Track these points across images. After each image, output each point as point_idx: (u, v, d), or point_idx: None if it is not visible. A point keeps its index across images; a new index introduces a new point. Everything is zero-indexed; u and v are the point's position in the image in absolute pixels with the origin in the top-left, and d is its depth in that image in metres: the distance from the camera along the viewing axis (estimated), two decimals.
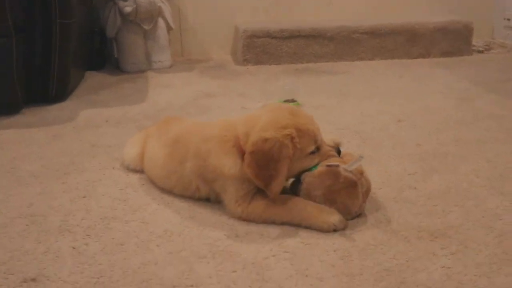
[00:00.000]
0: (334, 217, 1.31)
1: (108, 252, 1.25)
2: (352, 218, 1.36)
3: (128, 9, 3.06)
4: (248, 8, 3.77)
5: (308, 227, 1.33)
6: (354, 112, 2.39)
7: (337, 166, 1.35)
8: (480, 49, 3.68)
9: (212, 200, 1.49)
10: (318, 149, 1.38)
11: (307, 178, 1.37)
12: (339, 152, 1.44)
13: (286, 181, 1.40)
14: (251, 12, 3.77)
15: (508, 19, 3.79)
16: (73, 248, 1.27)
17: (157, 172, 1.58)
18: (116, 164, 1.81)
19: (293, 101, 2.50)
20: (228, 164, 1.36)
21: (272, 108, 1.43)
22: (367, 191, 1.39)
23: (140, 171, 1.72)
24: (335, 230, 1.31)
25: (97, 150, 1.97)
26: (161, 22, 3.30)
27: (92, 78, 3.16)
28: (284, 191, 1.39)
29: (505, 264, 1.17)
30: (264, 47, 3.40)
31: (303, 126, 1.34)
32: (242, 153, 1.34)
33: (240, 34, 3.39)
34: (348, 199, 1.33)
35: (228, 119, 1.49)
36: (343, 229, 1.31)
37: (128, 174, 1.72)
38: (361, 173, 1.36)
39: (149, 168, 1.63)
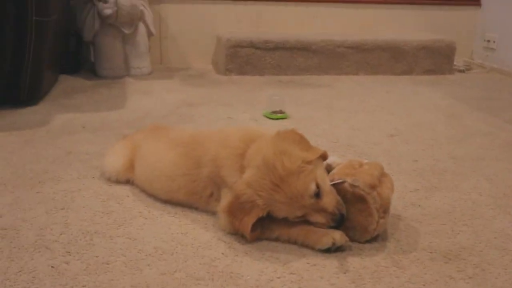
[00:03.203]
0: (334, 232, 1.22)
1: (92, 272, 1.10)
2: (371, 238, 1.25)
3: (108, 11, 2.91)
4: (231, 19, 3.68)
5: (305, 244, 1.23)
6: (344, 126, 2.31)
7: (343, 182, 1.23)
8: (461, 68, 3.70)
9: (211, 210, 1.38)
10: (301, 216, 1.21)
11: None
12: (339, 223, 1.21)
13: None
14: (234, 23, 3.68)
15: (488, 41, 3.84)
16: (52, 267, 1.12)
17: (158, 175, 1.45)
18: (95, 173, 1.66)
19: (281, 112, 2.41)
20: (235, 181, 1.26)
21: (268, 158, 1.20)
22: (384, 206, 1.24)
23: (123, 182, 1.57)
24: (334, 245, 1.20)
25: (73, 157, 1.81)
26: (141, 27, 3.16)
27: (66, 82, 2.98)
28: None
29: None
30: (248, 58, 3.31)
31: (273, 200, 1.18)
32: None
33: (223, 43, 3.28)
34: (360, 216, 1.22)
35: (250, 128, 1.40)
36: (343, 245, 1.21)
37: (110, 185, 1.57)
38: (372, 186, 1.22)
39: (144, 172, 1.50)
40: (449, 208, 1.49)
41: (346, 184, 1.23)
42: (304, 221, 1.25)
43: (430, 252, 1.23)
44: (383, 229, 1.27)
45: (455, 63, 3.67)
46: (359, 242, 1.25)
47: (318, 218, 1.21)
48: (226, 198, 1.29)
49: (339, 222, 1.21)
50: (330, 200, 1.21)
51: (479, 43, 3.97)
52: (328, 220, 1.20)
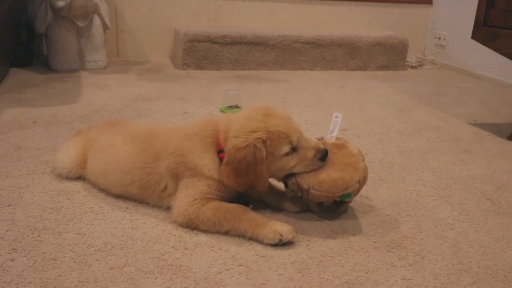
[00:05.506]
0: (281, 227, 1.25)
1: (39, 269, 1.09)
2: (354, 196, 1.38)
3: (61, 3, 2.84)
4: (189, 13, 3.66)
5: (254, 238, 1.25)
6: (299, 120, 2.35)
7: (322, 138, 1.41)
8: (414, 64, 3.82)
9: (164, 206, 1.38)
10: (294, 149, 1.31)
11: None
12: (324, 156, 1.33)
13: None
14: (192, 17, 3.67)
15: (439, 38, 3.98)
16: None
17: (113, 168, 1.44)
18: (46, 169, 1.63)
19: (236, 106, 2.43)
20: (208, 165, 1.31)
21: (248, 109, 1.36)
22: (362, 153, 1.40)
23: (74, 178, 1.56)
24: (281, 241, 1.23)
25: (23, 153, 1.77)
26: (96, 19, 3.10)
27: (17, 76, 2.90)
28: (237, 201, 1.33)
29: (463, 274, 1.15)
30: (205, 52, 3.31)
31: (274, 127, 1.28)
32: (220, 149, 1.32)
33: (181, 38, 3.27)
34: (346, 159, 1.34)
35: (208, 117, 1.47)
36: (290, 240, 1.24)
37: (60, 181, 1.55)
38: (346, 142, 1.43)
39: (99, 166, 1.49)
40: (395, 199, 1.55)
41: (326, 138, 1.43)
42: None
43: (374, 242, 1.29)
44: (366, 176, 1.38)
45: (407, 59, 3.79)
46: (347, 201, 1.38)
47: (307, 152, 1.31)
48: (185, 188, 1.31)
49: (324, 153, 1.32)
50: (310, 139, 1.36)
51: (430, 40, 4.11)
52: (314, 153, 1.32)
